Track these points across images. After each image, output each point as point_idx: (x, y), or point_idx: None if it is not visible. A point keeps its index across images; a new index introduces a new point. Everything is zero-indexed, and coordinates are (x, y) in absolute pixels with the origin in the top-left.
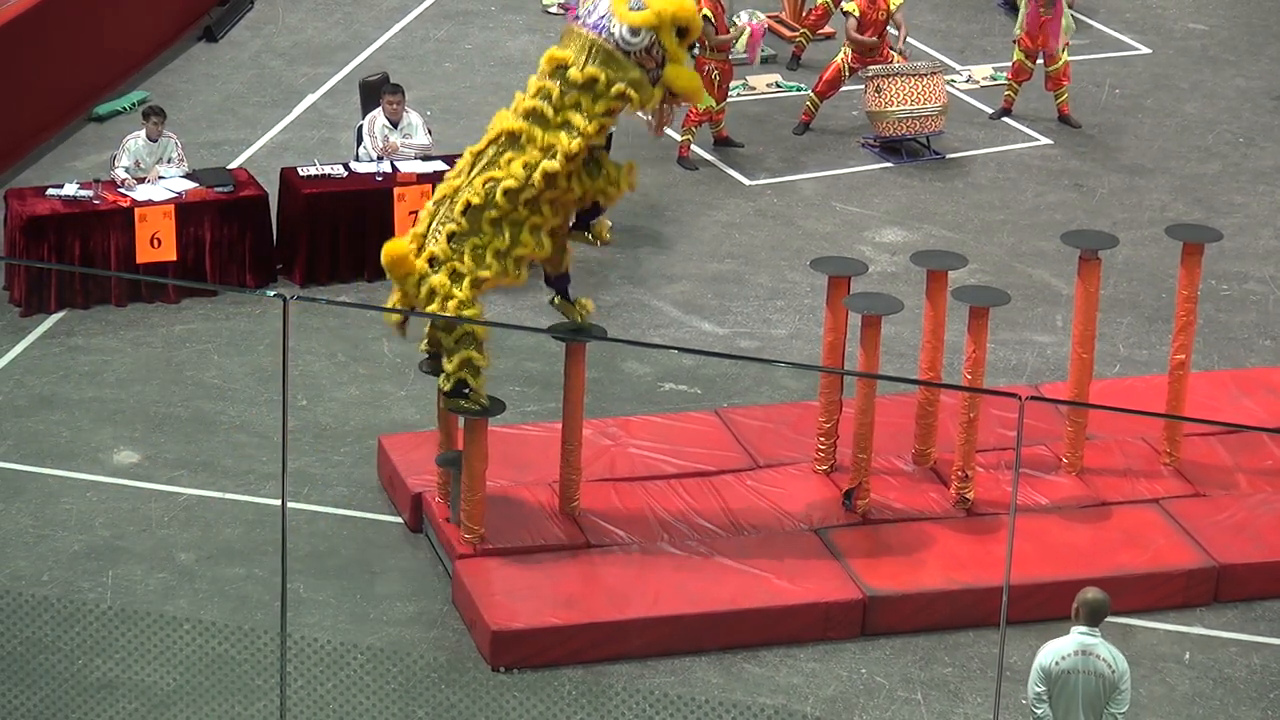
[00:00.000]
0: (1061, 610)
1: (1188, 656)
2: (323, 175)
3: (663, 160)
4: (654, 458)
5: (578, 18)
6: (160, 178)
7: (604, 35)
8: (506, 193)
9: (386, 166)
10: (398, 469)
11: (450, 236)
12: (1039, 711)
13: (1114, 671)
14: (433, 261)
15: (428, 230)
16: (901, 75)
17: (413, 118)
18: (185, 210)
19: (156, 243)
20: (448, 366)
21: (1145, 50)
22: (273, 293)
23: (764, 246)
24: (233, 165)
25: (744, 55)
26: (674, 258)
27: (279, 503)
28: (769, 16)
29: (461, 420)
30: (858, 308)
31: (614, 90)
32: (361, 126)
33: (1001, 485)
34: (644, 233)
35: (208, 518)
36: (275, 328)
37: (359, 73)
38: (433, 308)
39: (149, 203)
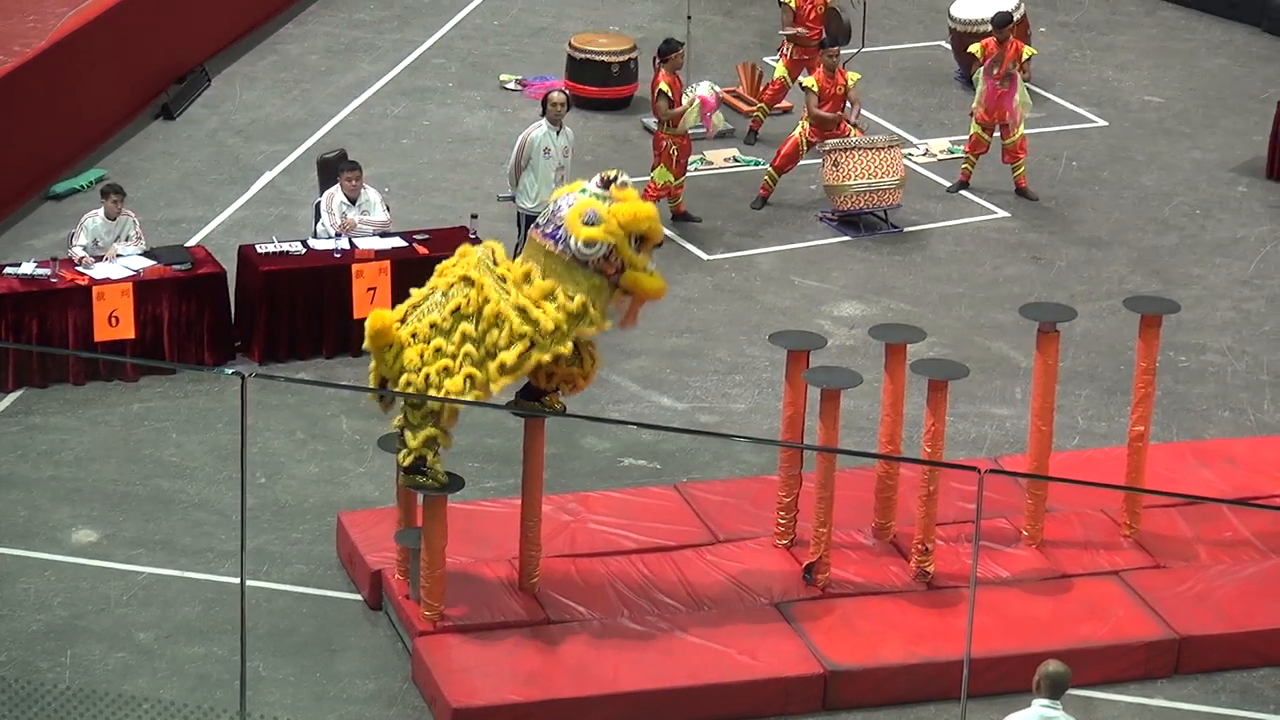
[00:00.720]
0: (1023, 683)
1: None
2: (281, 252)
3: None
4: (614, 533)
5: (537, 226)
6: (118, 256)
7: (560, 246)
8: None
9: (345, 243)
10: (357, 546)
11: (432, 325)
12: None
13: None
14: (414, 336)
15: (415, 308)
16: (859, 149)
17: (371, 194)
18: (143, 288)
19: (114, 321)
20: (411, 442)
21: (1102, 123)
22: (231, 370)
23: (722, 321)
24: (190, 243)
25: (701, 128)
26: (632, 333)
27: (238, 581)
28: (725, 91)
29: (421, 497)
30: (817, 382)
31: (575, 304)
32: (319, 203)
33: (961, 558)
34: None
35: (166, 596)
36: (234, 405)
37: (317, 150)
38: (400, 382)
39: (107, 281)
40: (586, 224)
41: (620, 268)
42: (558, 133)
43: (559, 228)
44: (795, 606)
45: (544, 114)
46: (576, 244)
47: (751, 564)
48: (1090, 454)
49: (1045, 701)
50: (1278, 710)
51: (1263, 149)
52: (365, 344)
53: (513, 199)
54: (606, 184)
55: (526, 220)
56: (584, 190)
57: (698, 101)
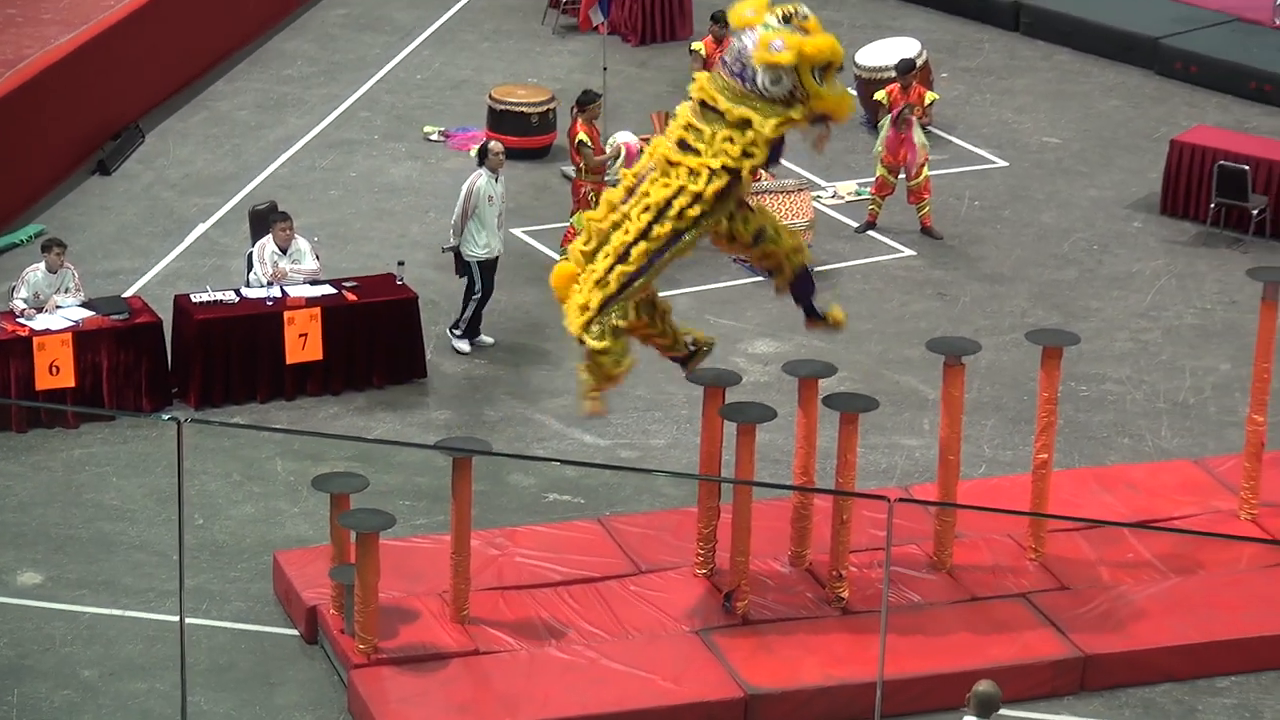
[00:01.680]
0: (936, 703)
1: None
2: (215, 301)
3: (544, 280)
4: (540, 566)
5: (724, 63)
6: (58, 307)
7: (747, 84)
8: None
9: (276, 291)
10: (293, 583)
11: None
12: None
13: None
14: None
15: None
16: (770, 193)
17: (301, 244)
18: (82, 338)
19: (55, 370)
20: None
21: (1003, 163)
22: (168, 416)
23: (641, 360)
24: (128, 294)
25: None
26: (556, 373)
27: (178, 619)
28: (642, 139)
29: (353, 535)
30: (733, 417)
31: (764, 133)
32: (251, 253)
33: (875, 584)
34: (527, 349)
35: (109, 635)
36: (172, 450)
37: (248, 202)
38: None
39: (47, 331)
40: (774, 51)
41: (805, 98)
42: (496, 180)
43: (745, 66)
44: (716, 633)
45: (483, 163)
46: (764, 78)
47: (673, 593)
48: (996, 481)
49: (973, 718)
50: None
51: (1157, 186)
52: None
53: (456, 249)
54: (788, 19)
55: (478, 266)
56: (765, 25)
57: (623, 149)
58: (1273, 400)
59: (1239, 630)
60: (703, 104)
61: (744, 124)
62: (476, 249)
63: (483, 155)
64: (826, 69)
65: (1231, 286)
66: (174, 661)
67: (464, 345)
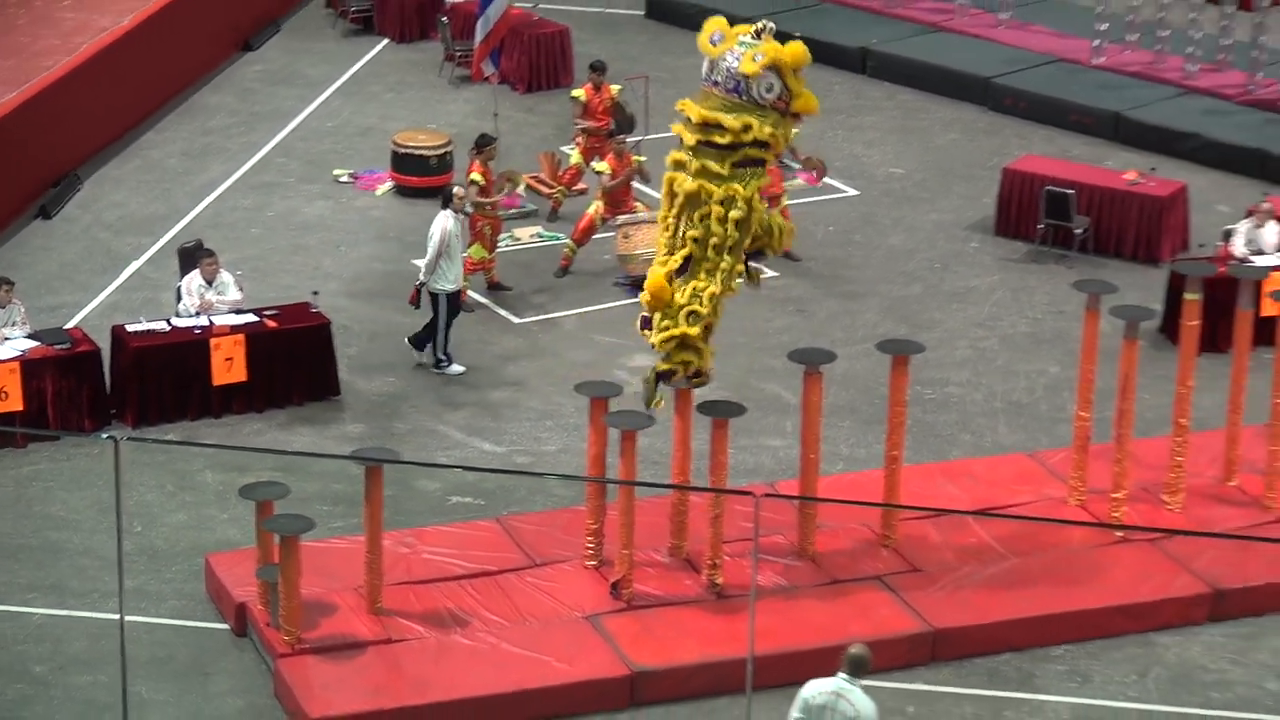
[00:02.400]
0: (803, 676)
1: (911, 709)
2: (148, 330)
3: None
4: (446, 561)
5: (709, 81)
6: (6, 339)
7: (743, 96)
8: (714, 247)
9: (204, 320)
10: (223, 582)
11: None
12: None
13: (858, 717)
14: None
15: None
16: (646, 223)
17: (225, 277)
18: (29, 366)
19: (4, 395)
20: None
21: (854, 193)
22: (106, 435)
23: (534, 375)
24: (69, 325)
25: (512, 208)
26: (457, 388)
27: (119, 617)
28: (530, 176)
29: (277, 538)
30: (616, 424)
31: (766, 132)
32: (181, 287)
33: (746, 570)
34: (430, 369)
35: (57, 634)
36: (111, 465)
37: (177, 240)
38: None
39: None
40: (756, 61)
41: (789, 99)
42: (455, 219)
43: (738, 81)
44: (604, 618)
45: (447, 206)
46: (757, 88)
47: (565, 584)
48: (853, 476)
49: (845, 676)
50: (1018, 688)
51: (990, 210)
52: (647, 301)
53: (423, 284)
54: (759, 34)
55: (446, 299)
56: (741, 43)
57: (516, 184)
58: (1097, 398)
59: (1070, 604)
60: (704, 124)
61: (747, 129)
62: (447, 283)
63: (447, 200)
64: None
65: (1059, 298)
66: (116, 655)
67: (457, 368)
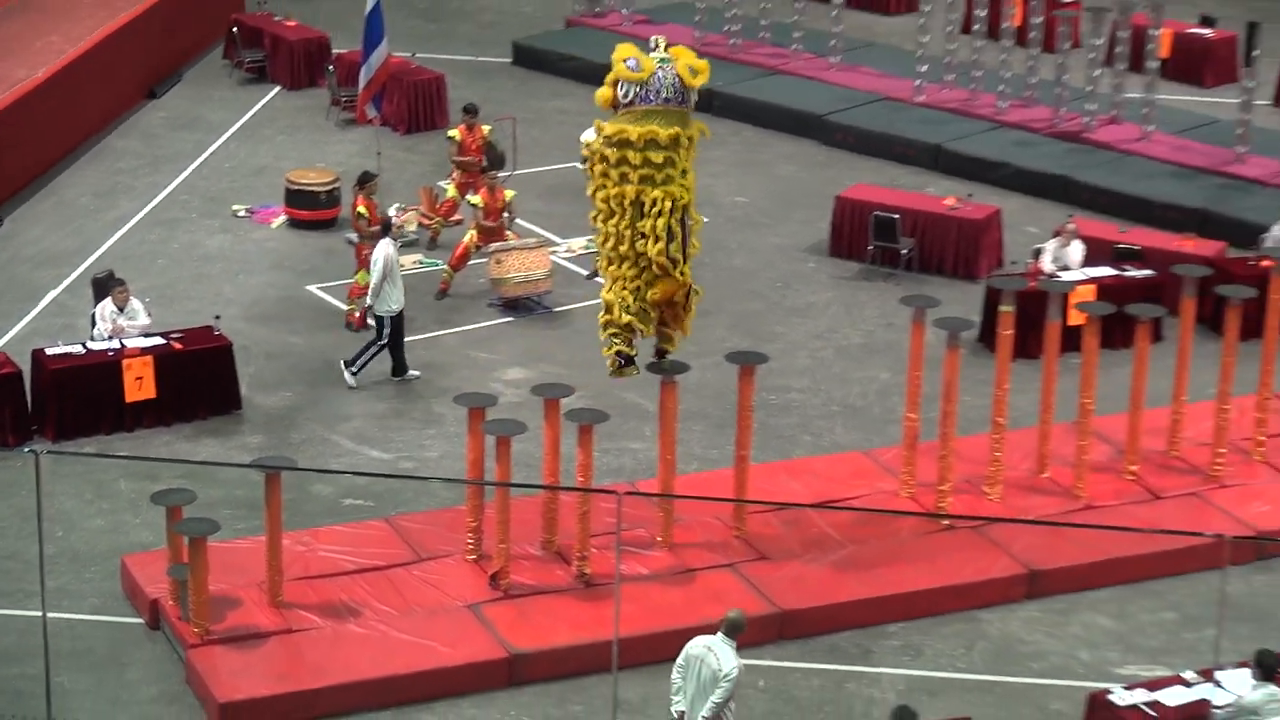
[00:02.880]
0: (665, 655)
1: (761, 683)
2: (66, 353)
3: (335, 326)
4: (340, 558)
5: (649, 100)
6: None
7: (686, 104)
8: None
9: (116, 344)
10: (138, 581)
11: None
12: (674, 675)
13: (720, 671)
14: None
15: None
16: (516, 249)
17: (135, 304)
18: None
19: None
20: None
21: (704, 219)
22: (28, 449)
23: (417, 389)
24: None
25: (404, 236)
26: (347, 402)
27: (41, 614)
28: (410, 208)
29: (186, 540)
30: (492, 431)
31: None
32: (95, 313)
33: (610, 561)
34: (323, 382)
35: None
36: (33, 476)
37: (90, 271)
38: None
39: None
40: (695, 74)
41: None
42: (395, 245)
43: (685, 92)
44: (484, 606)
45: (386, 233)
46: (693, 94)
47: (448, 576)
48: (706, 475)
49: (721, 636)
50: (857, 662)
51: (825, 233)
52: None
53: (370, 307)
54: (667, 48)
55: (390, 321)
56: (664, 61)
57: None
58: (923, 401)
59: (902, 586)
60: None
61: (690, 140)
62: (392, 304)
63: (387, 228)
64: None
65: (888, 312)
66: (40, 649)
67: (414, 372)
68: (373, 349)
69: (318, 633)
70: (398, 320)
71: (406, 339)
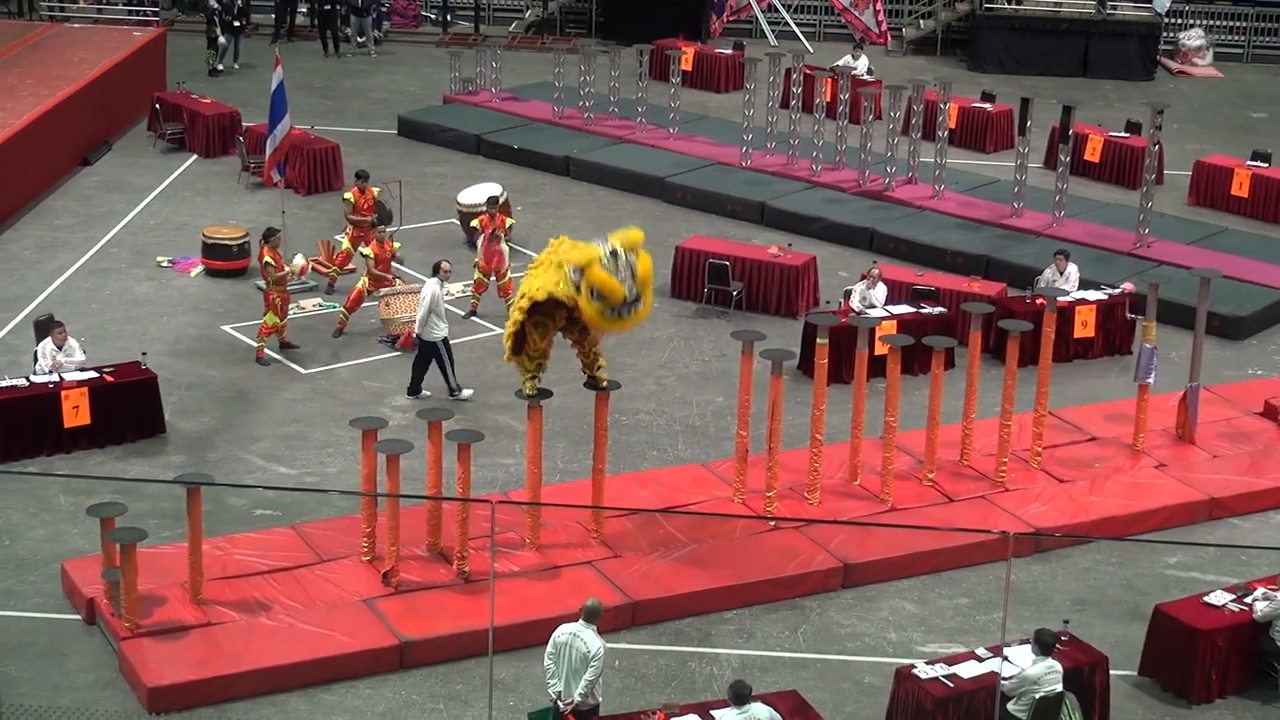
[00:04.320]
0: (535, 640)
1: (618, 663)
2: (11, 385)
3: (246, 361)
4: (253, 561)
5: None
6: None
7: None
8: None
9: (56, 377)
10: (76, 582)
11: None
12: (546, 662)
13: (589, 652)
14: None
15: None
16: (403, 293)
17: (73, 343)
18: None
19: None
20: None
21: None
22: None
23: (318, 414)
24: None
25: (301, 281)
26: (257, 425)
27: None
28: (310, 259)
29: (118, 546)
30: (383, 450)
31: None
32: (37, 351)
33: (486, 560)
34: (235, 407)
35: None
36: None
37: (33, 314)
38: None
39: None
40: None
41: None
42: (443, 285)
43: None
44: (377, 601)
45: (435, 274)
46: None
47: (346, 575)
48: (568, 485)
49: (583, 622)
50: (699, 645)
51: (668, 278)
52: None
53: (418, 335)
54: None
55: (441, 344)
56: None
57: (299, 266)
58: (752, 420)
59: (737, 578)
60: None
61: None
62: (438, 333)
63: (436, 270)
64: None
65: (721, 345)
66: None
67: (467, 392)
68: (447, 368)
69: (234, 625)
70: (445, 345)
71: (307, 371)
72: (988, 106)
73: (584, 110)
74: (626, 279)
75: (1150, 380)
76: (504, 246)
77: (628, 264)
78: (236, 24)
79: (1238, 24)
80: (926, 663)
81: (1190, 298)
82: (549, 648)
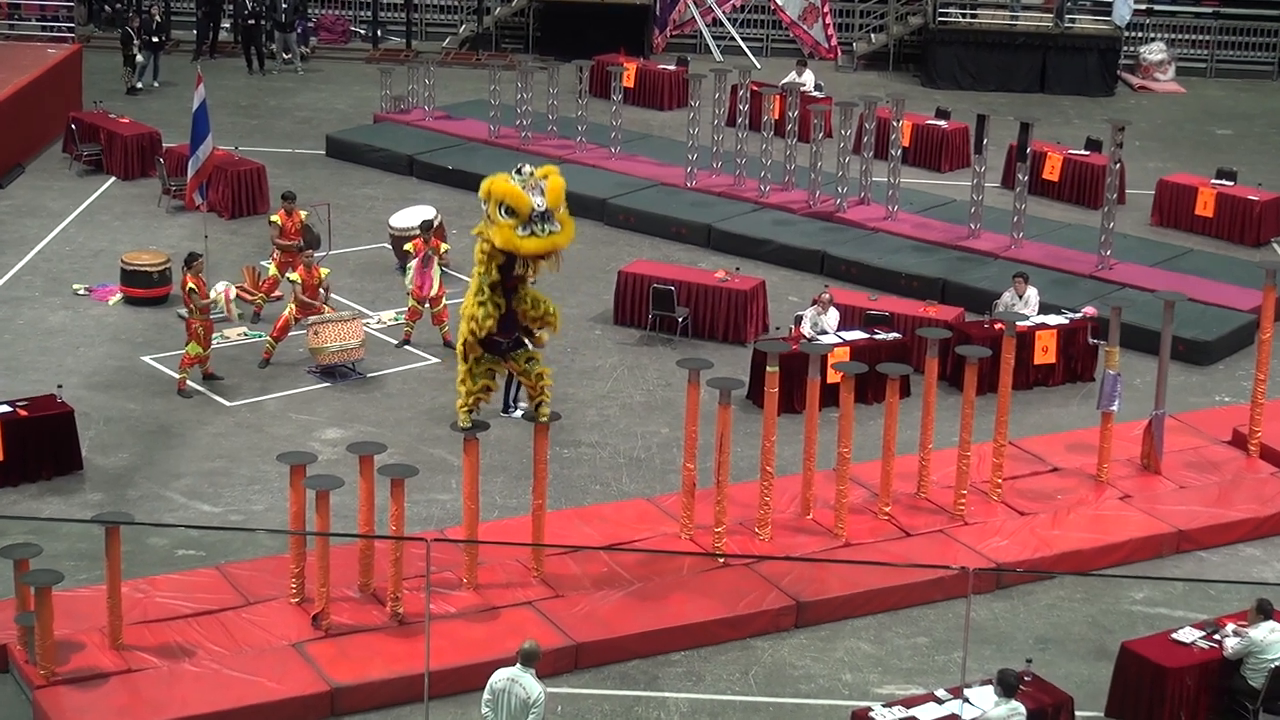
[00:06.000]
0: (472, 685)
1: (560, 709)
2: None
3: (168, 393)
4: (175, 603)
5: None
6: None
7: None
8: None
9: None
10: None
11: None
12: (484, 710)
13: (529, 698)
14: None
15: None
16: (331, 321)
17: None
18: None
19: None
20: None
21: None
22: None
23: (244, 449)
24: None
25: (223, 313)
26: (179, 461)
27: None
28: (236, 287)
29: (32, 589)
30: (312, 486)
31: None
32: None
33: (421, 601)
34: (156, 442)
35: None
36: None
37: None
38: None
39: None
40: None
41: None
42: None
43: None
44: (307, 645)
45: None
46: None
47: (274, 618)
48: (506, 522)
49: (519, 667)
50: (645, 688)
51: (610, 304)
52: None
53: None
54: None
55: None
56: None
57: (224, 294)
58: (699, 452)
59: (684, 618)
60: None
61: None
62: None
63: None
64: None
65: (666, 373)
66: None
67: (518, 413)
68: (510, 386)
69: (155, 672)
70: None
71: (232, 403)
72: (942, 124)
73: (521, 129)
74: (534, 193)
75: (1114, 408)
76: (436, 271)
77: (536, 183)
78: (156, 40)
79: (1201, 37)
80: (884, 705)
81: (1154, 322)
82: (485, 694)
